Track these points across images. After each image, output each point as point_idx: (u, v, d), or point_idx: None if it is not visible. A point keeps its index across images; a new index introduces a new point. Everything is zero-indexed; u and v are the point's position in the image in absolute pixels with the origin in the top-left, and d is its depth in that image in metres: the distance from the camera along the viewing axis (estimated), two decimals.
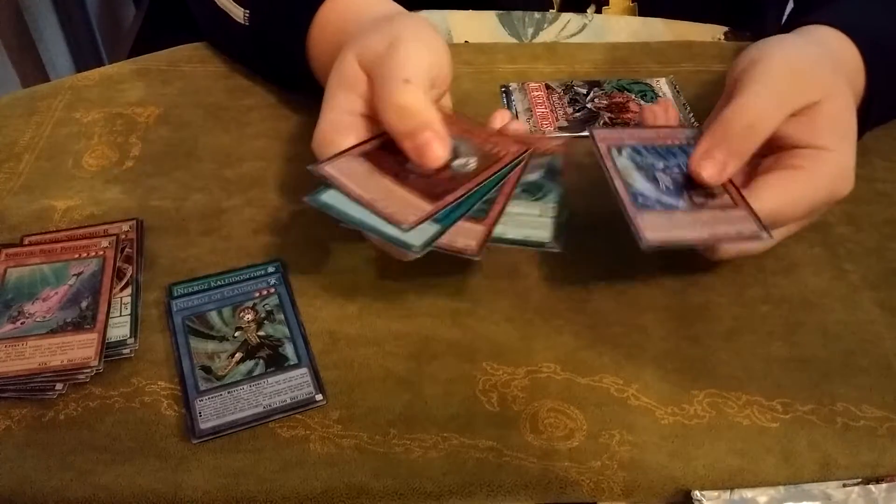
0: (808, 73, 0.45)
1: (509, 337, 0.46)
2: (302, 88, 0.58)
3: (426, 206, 0.42)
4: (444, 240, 0.41)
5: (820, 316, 0.47)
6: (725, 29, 0.68)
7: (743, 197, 0.43)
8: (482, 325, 0.46)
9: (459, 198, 0.42)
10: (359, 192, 0.42)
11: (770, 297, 0.48)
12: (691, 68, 0.63)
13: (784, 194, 0.44)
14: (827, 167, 0.44)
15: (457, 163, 0.44)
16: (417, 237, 0.41)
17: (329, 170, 0.42)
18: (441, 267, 0.49)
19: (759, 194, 0.43)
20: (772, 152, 0.45)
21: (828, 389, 0.43)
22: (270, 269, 0.49)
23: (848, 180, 0.45)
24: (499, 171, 0.44)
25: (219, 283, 0.48)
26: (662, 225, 0.41)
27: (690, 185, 0.44)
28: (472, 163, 0.45)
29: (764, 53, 0.46)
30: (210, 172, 0.56)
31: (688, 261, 0.50)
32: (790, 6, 0.79)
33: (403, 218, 0.41)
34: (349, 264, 0.50)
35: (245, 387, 0.43)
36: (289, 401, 0.42)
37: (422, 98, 0.43)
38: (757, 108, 0.44)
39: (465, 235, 0.42)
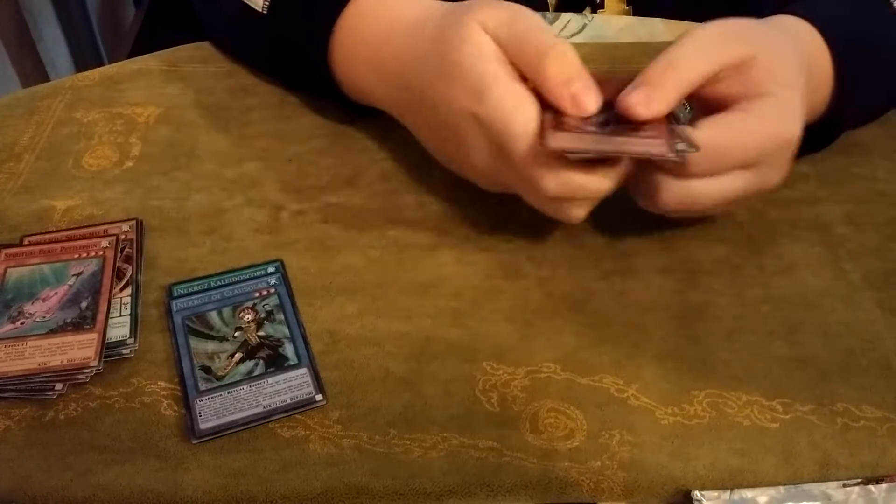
0: (738, 29, 0.47)
1: (509, 337, 0.46)
2: (313, 86, 0.57)
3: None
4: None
5: (820, 316, 0.47)
6: None
7: (668, 129, 0.43)
8: (482, 325, 0.46)
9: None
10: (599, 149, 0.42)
11: (770, 297, 0.48)
12: None
13: (725, 127, 0.44)
14: (767, 107, 0.45)
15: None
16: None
17: (561, 144, 0.42)
18: (441, 266, 0.50)
19: (701, 126, 0.44)
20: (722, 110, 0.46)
21: (828, 389, 0.43)
22: (270, 270, 0.49)
23: (792, 122, 0.45)
24: None
25: (219, 283, 0.48)
26: (569, 138, 0.42)
27: (615, 121, 0.44)
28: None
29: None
30: (210, 172, 0.56)
31: (688, 261, 0.50)
32: None
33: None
34: (349, 264, 0.50)
35: (245, 387, 0.43)
36: (289, 401, 0.42)
37: (571, 47, 0.44)
38: (678, 51, 0.45)
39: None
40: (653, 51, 0.65)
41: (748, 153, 0.45)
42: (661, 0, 0.70)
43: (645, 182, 0.46)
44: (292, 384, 0.43)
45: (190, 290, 0.48)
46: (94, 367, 0.43)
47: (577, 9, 0.70)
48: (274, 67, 0.62)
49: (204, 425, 0.41)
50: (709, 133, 0.44)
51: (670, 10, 0.69)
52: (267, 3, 0.56)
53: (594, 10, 0.71)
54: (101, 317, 0.45)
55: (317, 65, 0.55)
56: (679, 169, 0.44)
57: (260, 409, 0.42)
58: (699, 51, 0.45)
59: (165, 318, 0.47)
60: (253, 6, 0.57)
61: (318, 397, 0.43)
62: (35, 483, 0.40)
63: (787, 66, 0.46)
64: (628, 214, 0.52)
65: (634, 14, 0.71)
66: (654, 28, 0.68)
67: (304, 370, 0.44)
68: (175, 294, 0.47)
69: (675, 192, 0.45)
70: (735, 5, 0.73)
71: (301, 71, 0.58)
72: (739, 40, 0.46)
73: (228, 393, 0.43)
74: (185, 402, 0.42)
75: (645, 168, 0.45)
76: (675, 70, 0.44)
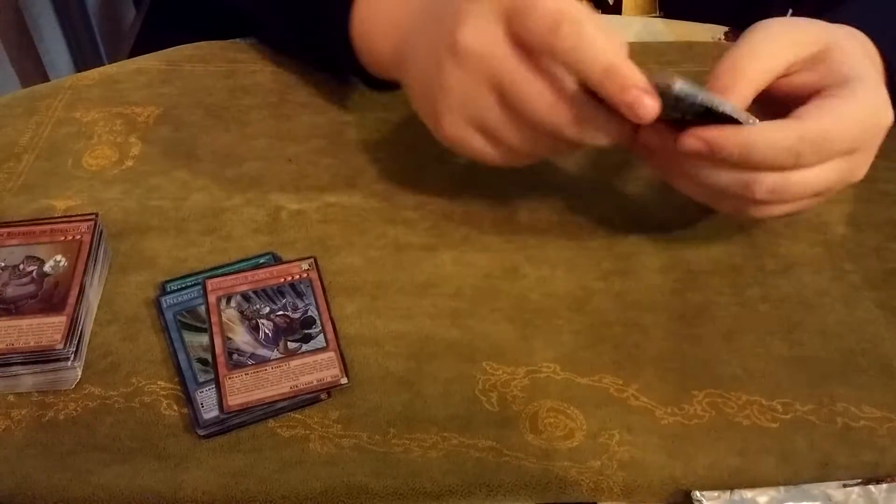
0: (804, 26, 0.46)
1: (509, 337, 0.46)
2: (334, 57, 0.57)
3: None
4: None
5: (820, 316, 0.47)
6: (726, 29, 0.68)
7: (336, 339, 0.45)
8: (482, 325, 0.46)
9: None
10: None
11: (770, 297, 0.48)
12: (692, 68, 0.63)
13: (828, 113, 0.43)
14: (860, 91, 0.44)
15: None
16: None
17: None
18: (440, 266, 0.50)
19: (802, 116, 0.43)
20: (804, 102, 0.45)
21: (828, 389, 0.43)
22: (262, 262, 0.49)
23: (885, 106, 0.44)
24: None
25: (210, 277, 0.48)
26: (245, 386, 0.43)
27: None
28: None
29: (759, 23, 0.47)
30: (210, 172, 0.56)
31: (688, 261, 0.50)
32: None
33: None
34: (348, 264, 0.50)
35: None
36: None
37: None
38: (742, 51, 0.45)
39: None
40: (653, 51, 0.65)
41: (848, 139, 0.43)
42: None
43: (736, 181, 0.44)
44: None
45: (183, 285, 0.48)
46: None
47: (601, 6, 0.71)
48: (294, 43, 0.61)
49: (207, 415, 0.41)
50: (815, 121, 0.43)
51: (697, 4, 0.69)
52: None
53: (618, 4, 0.71)
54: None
55: (338, 29, 0.53)
56: (789, 162, 0.43)
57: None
58: (765, 49, 0.45)
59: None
60: None
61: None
62: (35, 483, 0.40)
63: (861, 56, 0.46)
64: (628, 214, 0.52)
65: (661, 6, 0.71)
66: (655, 28, 0.68)
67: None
68: (168, 290, 0.48)
69: (771, 184, 0.43)
70: (754, 5, 0.73)
71: (322, 37, 0.57)
72: (808, 34, 0.46)
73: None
74: (186, 395, 0.43)
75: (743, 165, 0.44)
76: (741, 70, 0.44)
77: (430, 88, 0.46)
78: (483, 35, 0.43)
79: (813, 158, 0.43)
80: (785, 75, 0.45)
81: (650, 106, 0.41)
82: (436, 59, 0.45)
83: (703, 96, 0.41)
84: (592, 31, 0.41)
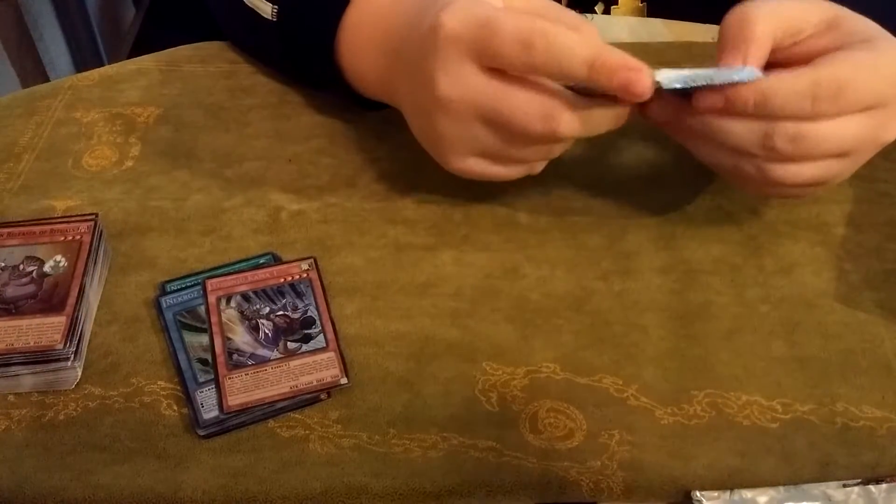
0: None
1: (509, 337, 0.46)
2: (329, 88, 0.57)
3: None
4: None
5: (820, 316, 0.47)
6: None
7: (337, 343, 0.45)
8: (482, 325, 0.46)
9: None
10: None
11: (770, 297, 0.48)
12: None
13: (845, 61, 0.42)
14: (885, 44, 0.43)
15: None
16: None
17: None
18: (440, 266, 0.50)
19: (818, 63, 0.42)
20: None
21: (828, 389, 0.43)
22: (261, 262, 0.49)
23: None
24: None
25: (210, 277, 0.48)
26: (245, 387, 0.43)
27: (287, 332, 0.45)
28: None
29: None
30: (210, 172, 0.56)
31: (687, 261, 0.50)
32: None
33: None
34: (349, 264, 0.50)
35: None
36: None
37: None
38: (747, 8, 0.44)
39: None
40: (653, 51, 0.65)
41: (870, 90, 0.43)
42: None
43: (756, 132, 0.43)
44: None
45: (183, 286, 0.48)
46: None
47: (589, 6, 0.70)
48: (288, 71, 0.62)
49: (207, 415, 0.41)
50: (830, 67, 0.42)
51: (684, 9, 0.69)
52: (275, 10, 0.56)
53: (607, 8, 0.70)
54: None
55: (326, 65, 0.54)
56: (806, 107, 0.42)
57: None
58: (772, 8, 0.45)
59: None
60: (263, 15, 0.57)
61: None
62: (35, 483, 0.40)
63: (874, 24, 0.45)
64: (628, 214, 0.52)
65: (649, 11, 0.71)
66: (654, 28, 0.68)
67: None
68: (168, 290, 0.48)
69: (791, 132, 0.43)
70: None
71: (313, 72, 0.58)
72: (815, 2, 0.45)
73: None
74: (186, 395, 0.43)
75: (762, 118, 0.43)
76: (749, 24, 0.44)
77: (427, 134, 0.48)
78: (456, 79, 0.43)
79: (831, 106, 0.42)
80: (797, 42, 0.45)
81: (643, 82, 0.40)
82: (424, 112, 0.46)
83: (698, 78, 0.41)
84: (564, 34, 0.41)
